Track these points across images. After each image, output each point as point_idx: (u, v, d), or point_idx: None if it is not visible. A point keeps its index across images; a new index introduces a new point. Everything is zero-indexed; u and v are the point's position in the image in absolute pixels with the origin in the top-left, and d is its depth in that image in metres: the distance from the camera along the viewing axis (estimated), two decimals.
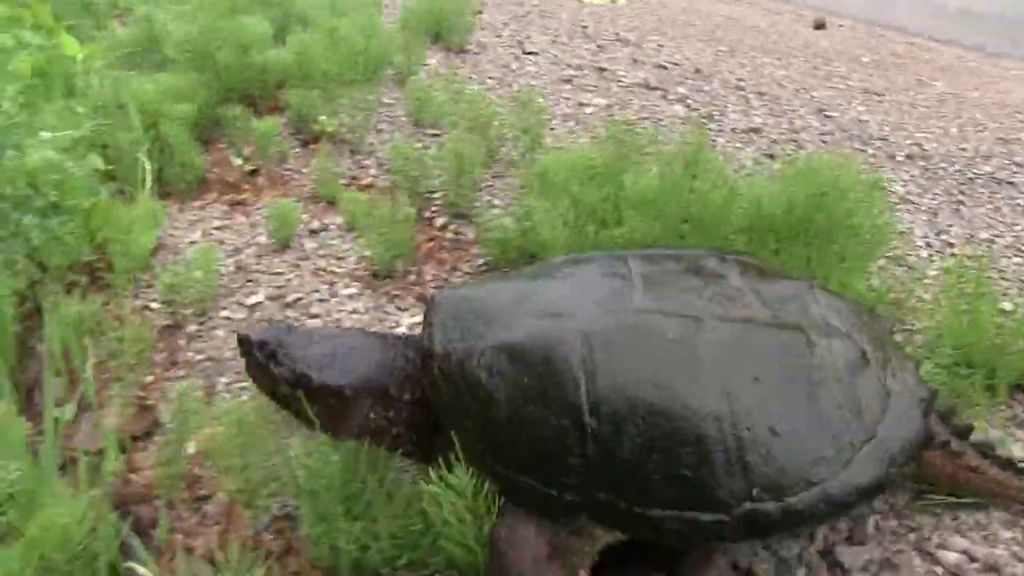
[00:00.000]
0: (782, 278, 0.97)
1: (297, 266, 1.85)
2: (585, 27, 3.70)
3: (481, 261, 1.86)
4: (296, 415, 1.01)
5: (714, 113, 2.80)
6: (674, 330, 0.84)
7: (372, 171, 2.28)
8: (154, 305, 1.72)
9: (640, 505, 0.81)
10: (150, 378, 1.53)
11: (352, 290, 1.76)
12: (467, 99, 2.35)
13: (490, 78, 2.91)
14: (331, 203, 2.12)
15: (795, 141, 2.69)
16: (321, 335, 1.05)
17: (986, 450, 1.05)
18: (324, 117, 2.48)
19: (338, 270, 1.83)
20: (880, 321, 1.02)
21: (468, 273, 1.83)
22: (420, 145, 2.41)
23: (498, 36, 3.41)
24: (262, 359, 0.99)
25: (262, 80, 2.65)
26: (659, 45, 3.56)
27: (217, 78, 2.59)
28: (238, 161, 2.37)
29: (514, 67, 3.02)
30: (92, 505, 1.06)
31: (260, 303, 1.72)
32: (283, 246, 1.91)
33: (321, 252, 1.90)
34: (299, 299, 1.72)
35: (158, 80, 2.43)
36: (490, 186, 2.14)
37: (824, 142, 2.72)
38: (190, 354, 1.60)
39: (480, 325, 0.89)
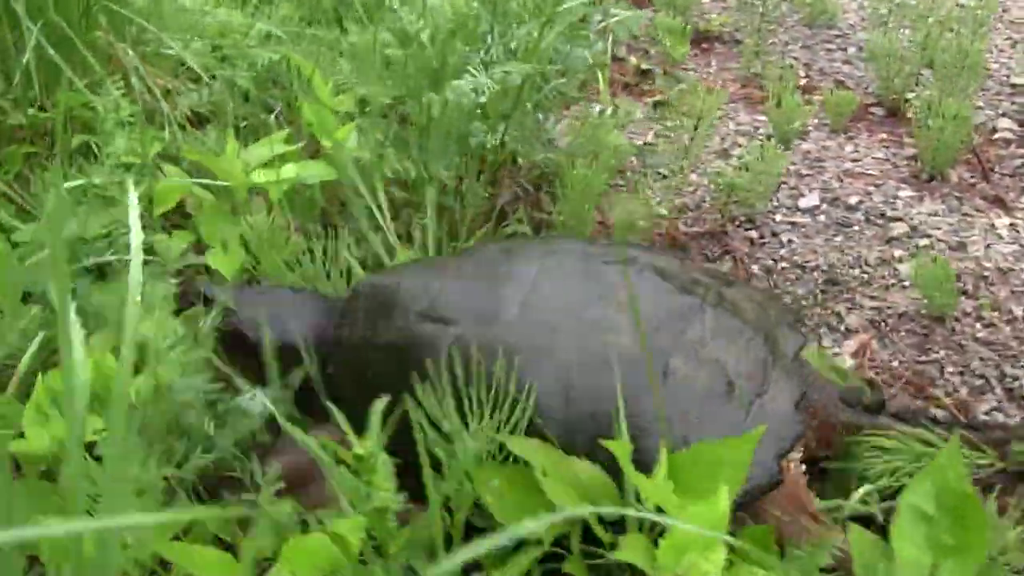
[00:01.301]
0: (679, 293, 0.88)
1: (818, 167, 1.66)
2: None
3: None
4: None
5: None
6: (528, 351, 0.82)
7: (800, 72, 2.07)
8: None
9: None
10: None
11: (909, 192, 1.57)
12: None
13: None
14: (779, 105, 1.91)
15: None
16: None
17: (906, 415, 0.96)
18: (715, 15, 2.28)
19: (872, 172, 1.64)
20: (787, 339, 0.92)
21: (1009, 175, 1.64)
22: (833, 46, 2.21)
23: None
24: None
25: None
26: None
27: None
28: (631, 60, 2.16)
29: None
30: None
31: (817, 206, 1.54)
32: (785, 146, 1.72)
33: (829, 154, 1.71)
34: (860, 202, 1.54)
35: None
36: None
37: None
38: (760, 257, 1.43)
39: (377, 320, 0.92)
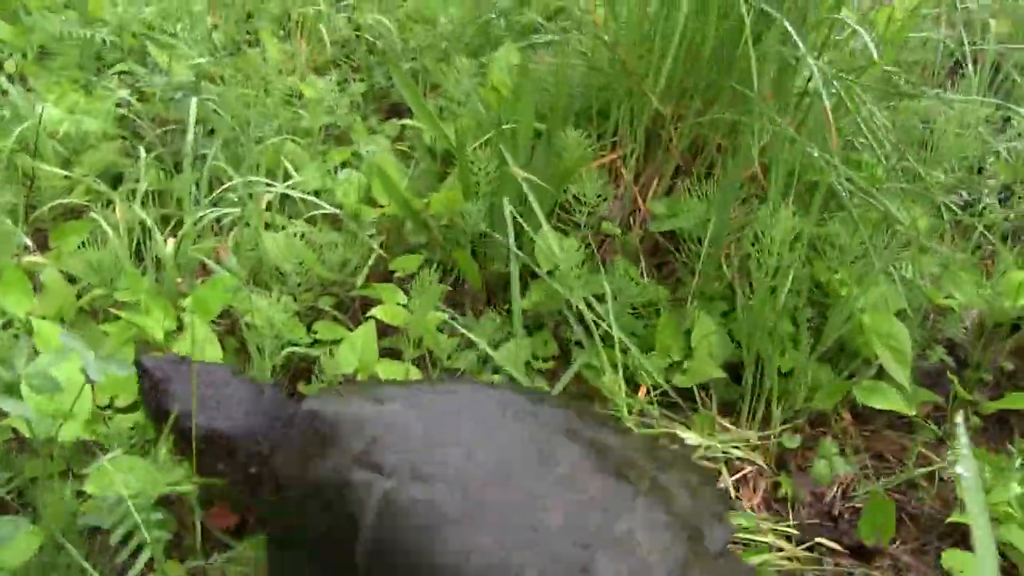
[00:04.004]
0: (615, 477, 0.88)
1: None
2: None
3: None
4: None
5: None
6: (456, 522, 0.81)
7: None
8: None
9: None
10: None
11: None
12: None
13: None
14: None
15: None
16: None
17: None
18: None
19: None
20: (714, 531, 0.92)
21: None
22: None
23: None
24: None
25: None
26: None
27: None
28: None
29: None
30: None
31: None
32: None
33: None
34: None
35: None
36: None
37: None
38: None
39: (313, 454, 0.90)
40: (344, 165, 1.59)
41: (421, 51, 1.88)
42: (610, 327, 1.14)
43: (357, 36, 2.02)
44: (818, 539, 1.07)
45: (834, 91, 1.26)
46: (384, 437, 0.86)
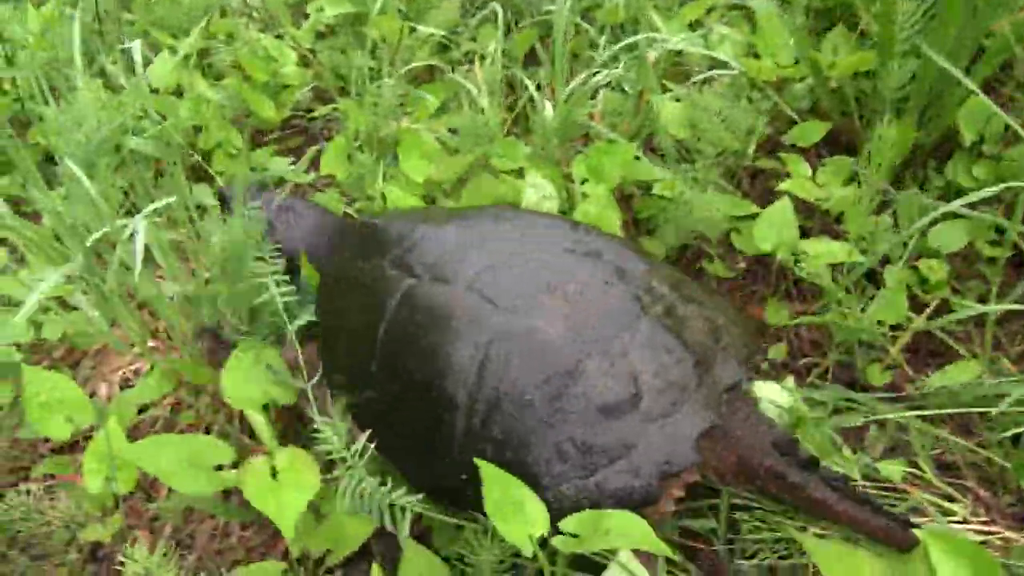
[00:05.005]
0: (626, 298, 0.90)
1: None
2: None
3: None
4: None
5: None
6: (462, 316, 0.90)
7: None
8: None
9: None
10: None
11: None
12: None
13: None
14: None
15: None
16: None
17: (836, 482, 0.86)
18: None
19: None
20: (726, 370, 0.91)
21: None
22: None
23: None
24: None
25: None
26: None
27: None
28: None
29: None
30: None
31: None
32: None
33: None
34: None
35: None
36: None
37: None
38: None
39: (362, 254, 1.04)
40: (693, 25, 1.45)
41: None
42: None
43: None
44: None
45: None
46: (419, 245, 0.98)
